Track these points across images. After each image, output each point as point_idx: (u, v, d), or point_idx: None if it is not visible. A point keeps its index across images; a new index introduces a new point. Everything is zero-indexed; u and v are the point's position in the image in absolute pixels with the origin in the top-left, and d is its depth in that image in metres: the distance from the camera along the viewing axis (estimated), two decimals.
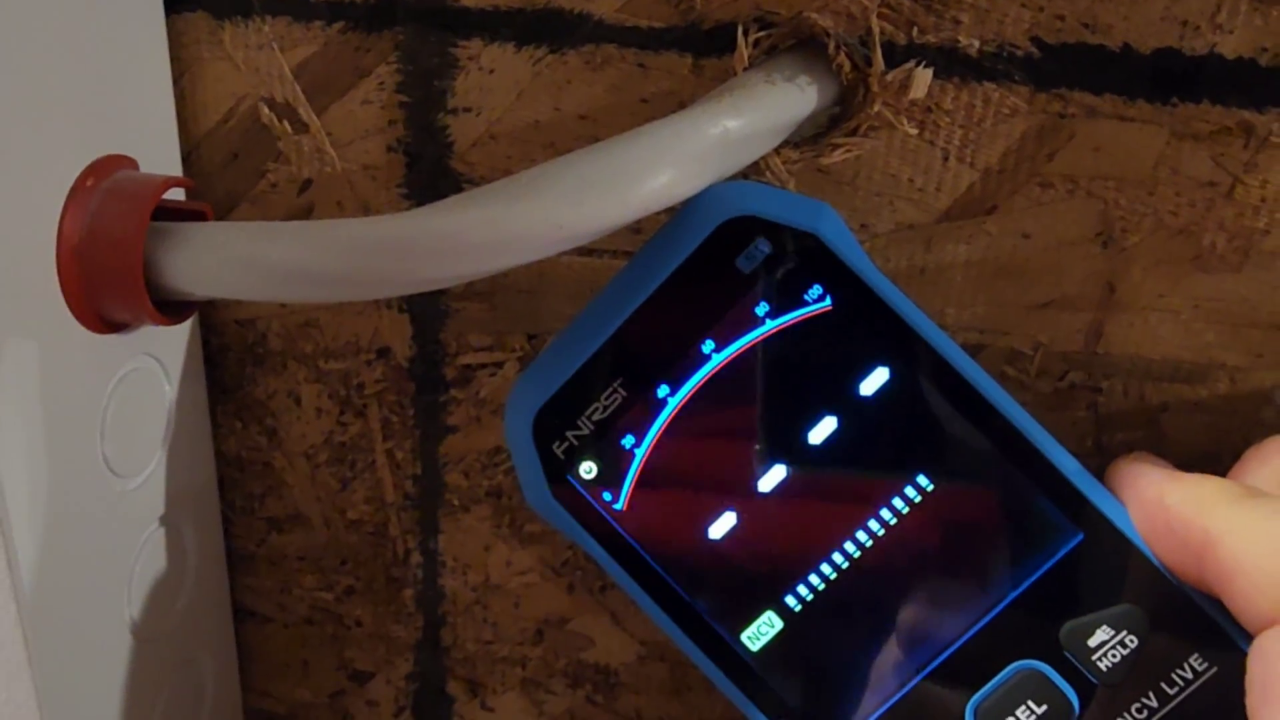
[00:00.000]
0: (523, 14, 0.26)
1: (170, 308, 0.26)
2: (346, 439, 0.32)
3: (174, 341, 0.30)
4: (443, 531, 0.33)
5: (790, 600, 0.24)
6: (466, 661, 0.34)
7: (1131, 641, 0.22)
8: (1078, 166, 0.25)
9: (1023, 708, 0.23)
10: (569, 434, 0.24)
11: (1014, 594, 0.23)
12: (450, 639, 0.34)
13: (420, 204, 0.29)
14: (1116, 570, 0.23)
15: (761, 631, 0.24)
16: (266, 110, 0.28)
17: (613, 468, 0.24)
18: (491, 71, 0.27)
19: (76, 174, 0.25)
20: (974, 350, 0.27)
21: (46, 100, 0.23)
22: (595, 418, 0.24)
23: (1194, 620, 0.22)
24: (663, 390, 0.24)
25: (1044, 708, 0.23)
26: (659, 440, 0.24)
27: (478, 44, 0.27)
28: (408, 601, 0.34)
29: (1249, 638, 0.21)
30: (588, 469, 0.24)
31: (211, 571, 0.34)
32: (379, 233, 0.24)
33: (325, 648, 0.35)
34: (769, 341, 0.23)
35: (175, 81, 0.28)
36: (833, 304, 0.23)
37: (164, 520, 0.30)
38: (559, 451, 0.24)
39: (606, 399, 0.24)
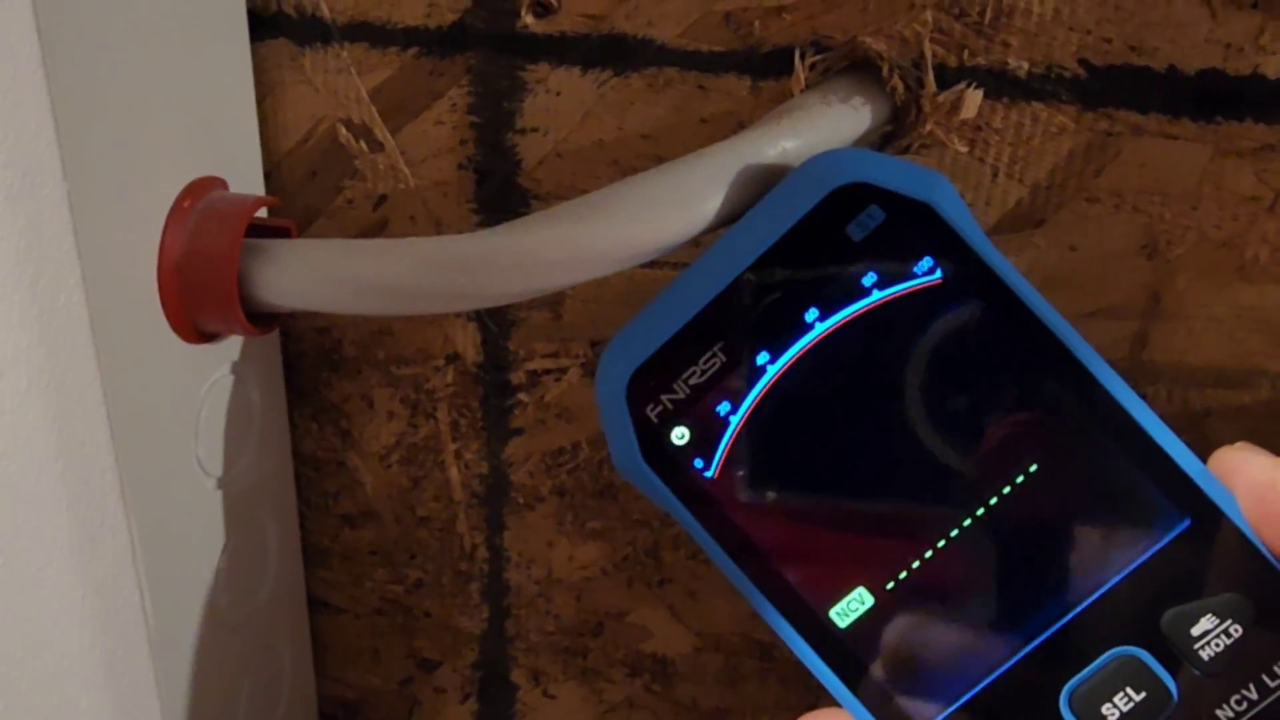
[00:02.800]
0: (588, 39, 0.28)
1: (259, 319, 0.28)
2: (417, 440, 0.34)
3: (257, 349, 0.32)
4: (508, 528, 0.34)
5: (883, 577, 0.23)
6: (530, 651, 0.36)
7: (1235, 631, 0.22)
8: (1124, 182, 0.26)
9: (1120, 694, 0.22)
10: (664, 398, 0.23)
11: (1116, 579, 0.22)
12: (514, 630, 0.36)
13: (489, 219, 0.30)
14: (1223, 558, 0.22)
15: (851, 608, 0.23)
16: (344, 131, 0.30)
17: (706, 434, 0.23)
18: (558, 94, 0.28)
19: (175, 195, 0.26)
20: None
21: (147, 127, 0.25)
22: (692, 382, 0.23)
23: None
24: (762, 357, 0.23)
25: (1141, 695, 0.22)
26: (755, 408, 0.23)
27: (545, 68, 0.28)
28: (474, 594, 0.36)
29: None
30: (680, 434, 0.23)
31: (289, 565, 0.36)
32: (459, 251, 0.25)
33: (395, 637, 0.37)
34: (874, 312, 0.22)
35: (259, 104, 0.30)
36: (943, 277, 0.22)
37: (247, 517, 0.32)
38: (652, 415, 0.23)
39: (705, 363, 0.23)
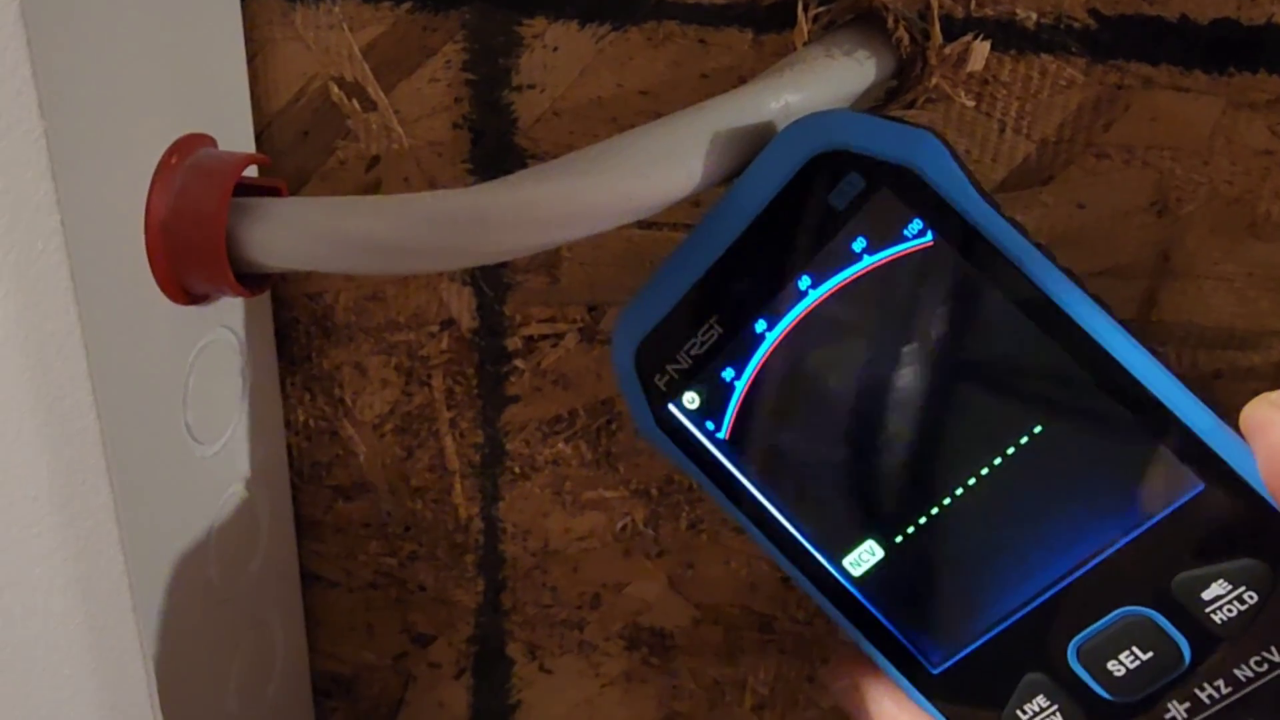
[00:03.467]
0: None
1: (249, 280, 0.27)
2: (411, 409, 0.33)
3: (247, 314, 0.31)
4: (503, 499, 0.34)
5: (892, 530, 0.24)
6: (526, 624, 0.36)
7: (1250, 598, 0.21)
8: (1134, 136, 0.25)
9: (1126, 652, 0.22)
10: (669, 367, 0.24)
11: (1124, 540, 0.22)
12: (510, 603, 0.35)
13: (485, 179, 0.30)
14: (1240, 524, 0.21)
15: (863, 558, 0.24)
16: (336, 89, 0.29)
17: (715, 398, 0.24)
18: (555, 49, 0.28)
19: (161, 152, 0.26)
20: None
21: (133, 82, 0.24)
22: (693, 352, 0.24)
23: None
24: (760, 325, 0.23)
25: (1149, 654, 0.22)
26: (759, 372, 0.24)
27: (542, 22, 0.27)
28: (469, 566, 0.35)
29: None
30: (690, 399, 0.24)
31: (281, 537, 0.35)
32: (453, 206, 0.25)
33: (389, 611, 0.37)
34: (869, 276, 0.23)
35: (249, 62, 0.29)
36: (934, 239, 0.22)
37: (238, 487, 0.32)
38: (660, 384, 0.24)
39: (703, 334, 0.24)
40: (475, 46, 0.28)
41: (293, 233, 0.26)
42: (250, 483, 0.32)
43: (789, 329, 0.23)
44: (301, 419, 0.34)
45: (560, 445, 0.32)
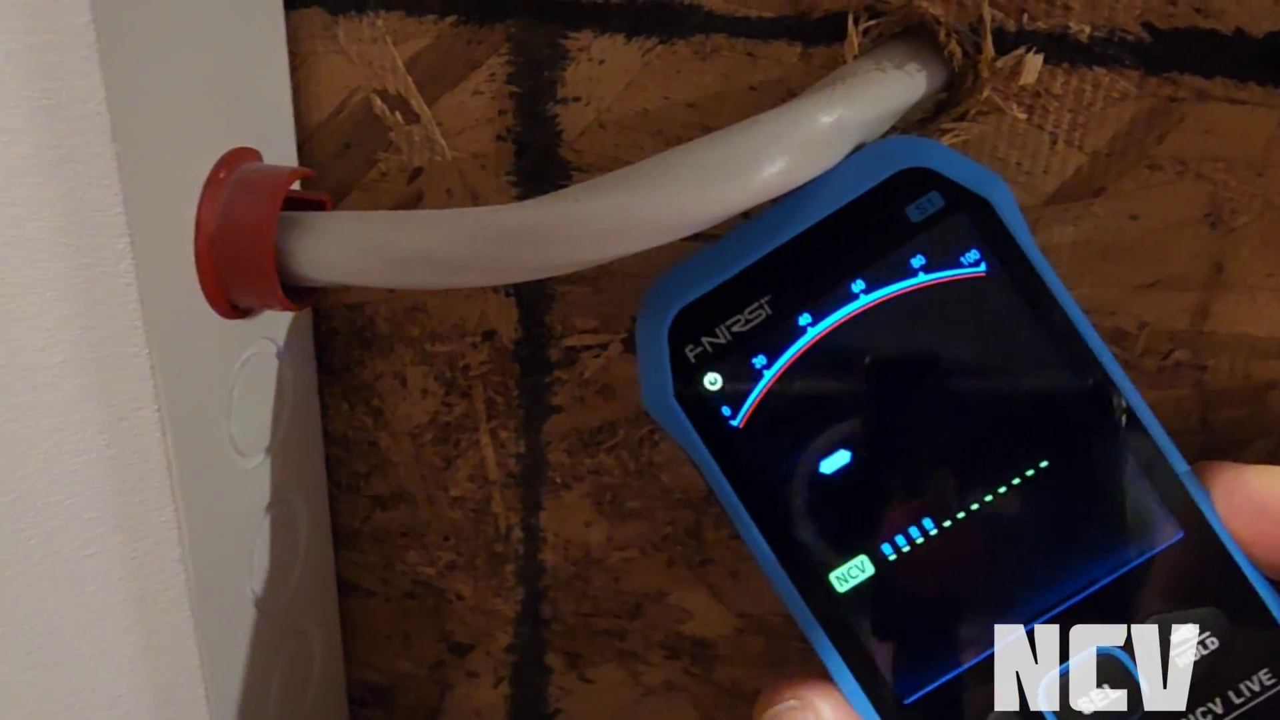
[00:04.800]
0: (633, 5, 0.27)
1: (296, 293, 0.27)
2: (451, 419, 0.33)
3: (289, 326, 0.31)
4: (544, 508, 0.34)
5: (885, 549, 0.24)
6: (566, 634, 0.36)
7: (1212, 644, 0.23)
8: (1187, 149, 0.25)
9: (1098, 690, 0.23)
10: (705, 340, 0.24)
11: (1106, 580, 0.23)
12: (550, 612, 0.35)
13: (528, 192, 0.30)
14: (1209, 573, 0.23)
15: (851, 574, 0.24)
16: (379, 102, 0.29)
17: (738, 384, 0.24)
18: (601, 62, 0.28)
19: (210, 167, 0.26)
20: None
21: (182, 98, 0.24)
22: (734, 329, 0.24)
23: (1271, 636, 0.23)
24: (805, 319, 0.24)
25: (1119, 693, 0.23)
26: (790, 366, 0.24)
27: (588, 35, 0.27)
28: (509, 576, 0.35)
29: None
30: (712, 380, 0.24)
31: (320, 547, 0.35)
32: (505, 221, 0.24)
33: (426, 621, 0.37)
34: (916, 294, 0.24)
35: (291, 75, 0.29)
36: (987, 270, 0.23)
37: (279, 498, 0.32)
38: (690, 355, 0.24)
39: (750, 313, 0.24)
40: (520, 59, 0.28)
41: (343, 247, 0.26)
42: (290, 493, 0.32)
43: (830, 328, 0.24)
44: (340, 429, 0.34)
45: (602, 455, 0.32)
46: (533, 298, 0.31)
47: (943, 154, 0.24)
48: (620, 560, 0.34)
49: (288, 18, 0.29)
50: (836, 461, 0.24)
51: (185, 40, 0.24)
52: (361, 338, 0.33)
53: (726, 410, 0.24)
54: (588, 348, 0.31)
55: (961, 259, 0.24)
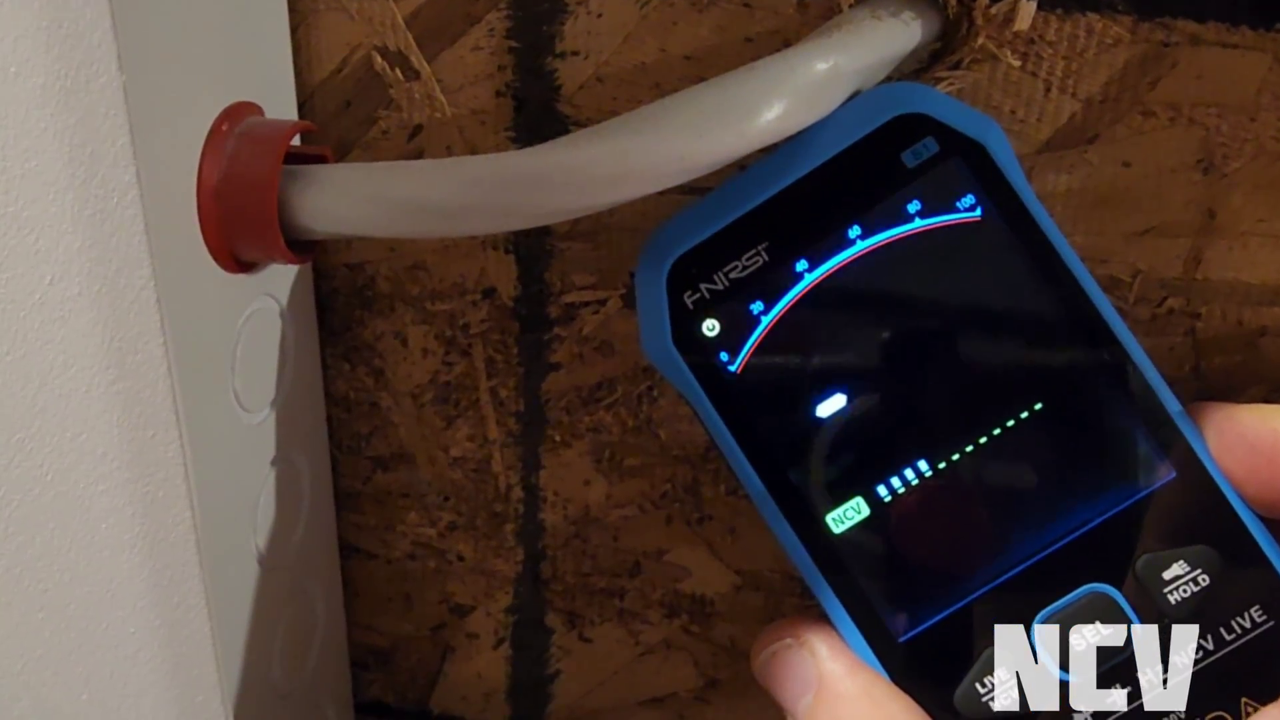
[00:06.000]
0: None
1: (298, 246, 0.27)
2: (451, 378, 0.33)
3: (290, 283, 0.31)
4: (544, 467, 0.34)
5: (880, 490, 0.24)
6: (565, 594, 0.36)
7: (1203, 580, 0.23)
8: (1180, 94, 0.26)
9: (1089, 627, 0.24)
10: (703, 286, 0.24)
11: (1100, 519, 0.24)
12: (550, 572, 0.36)
13: (527, 146, 0.30)
14: (1200, 512, 0.23)
15: (847, 515, 0.24)
16: (379, 59, 0.29)
17: (736, 329, 0.25)
18: (599, 15, 0.28)
19: (212, 120, 0.26)
20: None
21: (183, 50, 0.25)
22: (732, 275, 0.24)
23: (1263, 574, 0.23)
24: (801, 264, 0.24)
25: (1109, 630, 0.24)
26: (786, 311, 0.24)
27: None
28: (508, 536, 0.35)
29: None
30: (710, 325, 0.24)
31: (321, 507, 0.35)
32: (505, 167, 0.25)
33: (427, 582, 0.37)
34: (911, 239, 0.24)
35: (292, 32, 0.29)
36: (982, 215, 0.24)
37: (282, 456, 0.32)
38: (689, 302, 0.24)
39: (748, 260, 0.24)
40: (519, 14, 0.28)
41: (345, 198, 0.26)
42: (293, 452, 0.33)
43: (826, 274, 0.24)
44: (341, 390, 0.34)
45: (601, 413, 0.33)
46: (531, 254, 0.31)
47: (937, 99, 0.24)
48: (619, 518, 0.34)
49: None
50: (833, 405, 0.25)
51: None
52: (362, 297, 0.33)
53: (725, 356, 0.25)
54: (586, 304, 0.31)
55: (957, 204, 0.24)
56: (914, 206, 0.24)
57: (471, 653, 0.38)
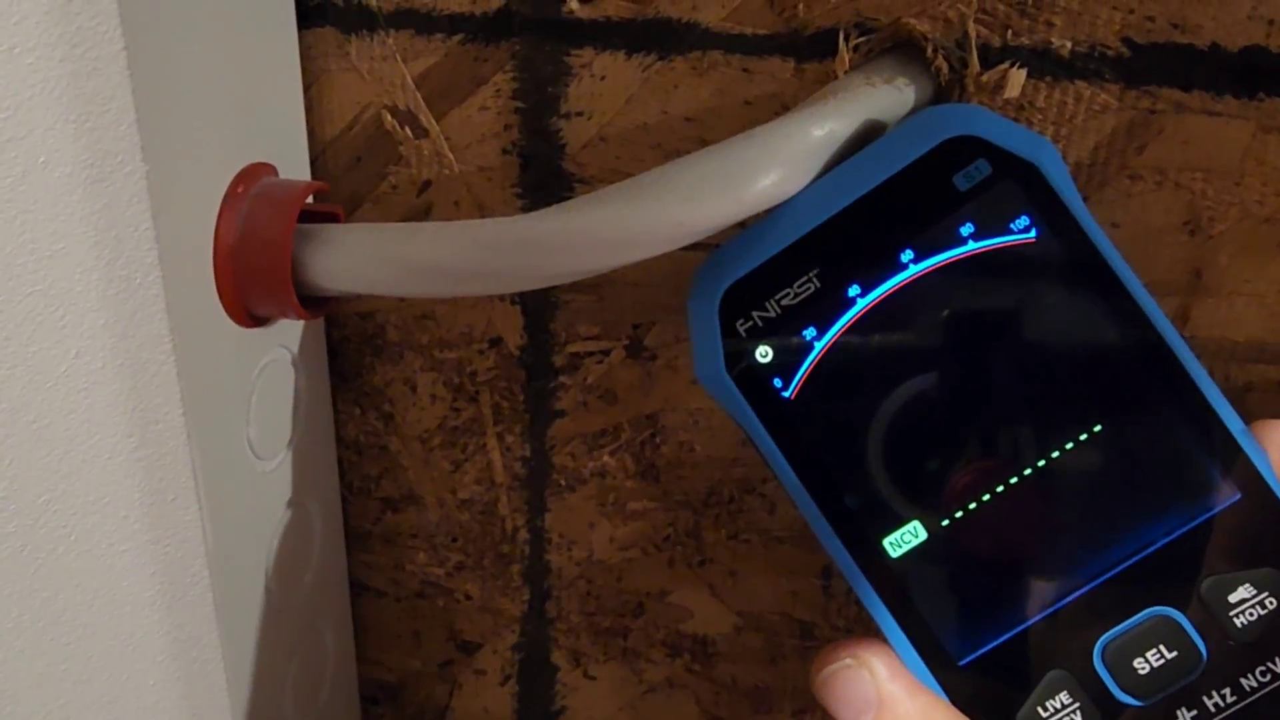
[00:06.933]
0: (633, 24, 0.28)
1: (310, 303, 0.28)
2: (459, 423, 0.34)
3: (303, 334, 0.32)
4: (550, 510, 0.35)
5: (938, 514, 0.24)
6: (570, 633, 0.37)
7: (1271, 604, 0.23)
8: (1166, 159, 0.26)
9: (1153, 651, 0.23)
10: (755, 314, 0.24)
11: (1163, 541, 0.23)
12: (555, 611, 0.36)
13: (533, 204, 0.31)
14: (1266, 533, 0.23)
15: (905, 539, 0.24)
16: (389, 117, 0.30)
17: (789, 356, 0.24)
18: (603, 78, 0.29)
19: (228, 183, 0.27)
20: None
21: (201, 115, 0.26)
22: (784, 303, 0.24)
23: None
24: (854, 290, 0.24)
25: (1174, 654, 0.23)
26: (840, 337, 0.24)
27: (590, 52, 0.29)
28: (515, 576, 0.36)
29: None
30: (764, 352, 0.24)
31: (332, 548, 0.36)
32: (511, 232, 0.26)
33: (436, 620, 0.38)
34: (965, 261, 0.24)
35: (305, 92, 0.30)
36: (1037, 236, 0.23)
37: (295, 500, 0.33)
38: (741, 329, 0.24)
39: (799, 286, 0.24)
40: (525, 75, 0.29)
41: (356, 258, 0.27)
42: (305, 496, 0.33)
43: (880, 299, 0.24)
44: (352, 434, 0.35)
45: (605, 458, 0.33)
46: (537, 306, 0.32)
47: (989, 120, 0.23)
48: (623, 560, 0.35)
49: (301, 36, 0.30)
50: (888, 430, 0.24)
51: (206, 60, 0.25)
52: (373, 345, 0.34)
53: (778, 382, 0.24)
54: (590, 354, 0.32)
55: (1011, 225, 0.23)
56: (967, 229, 0.23)
57: (479, 689, 0.39)
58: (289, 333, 0.31)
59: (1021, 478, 0.24)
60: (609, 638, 0.36)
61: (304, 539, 0.34)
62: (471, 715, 0.39)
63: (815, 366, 0.24)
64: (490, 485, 0.35)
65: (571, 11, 0.28)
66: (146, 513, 0.21)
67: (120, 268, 0.20)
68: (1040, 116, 0.27)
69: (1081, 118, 0.26)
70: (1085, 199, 0.27)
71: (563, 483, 0.34)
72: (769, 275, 0.24)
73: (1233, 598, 0.23)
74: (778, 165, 0.25)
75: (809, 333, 0.24)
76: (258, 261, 0.27)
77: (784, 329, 0.24)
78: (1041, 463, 0.24)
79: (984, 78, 0.26)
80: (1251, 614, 0.23)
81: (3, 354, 0.20)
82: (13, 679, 0.23)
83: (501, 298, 0.32)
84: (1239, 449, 0.23)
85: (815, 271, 0.24)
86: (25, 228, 0.19)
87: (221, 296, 0.27)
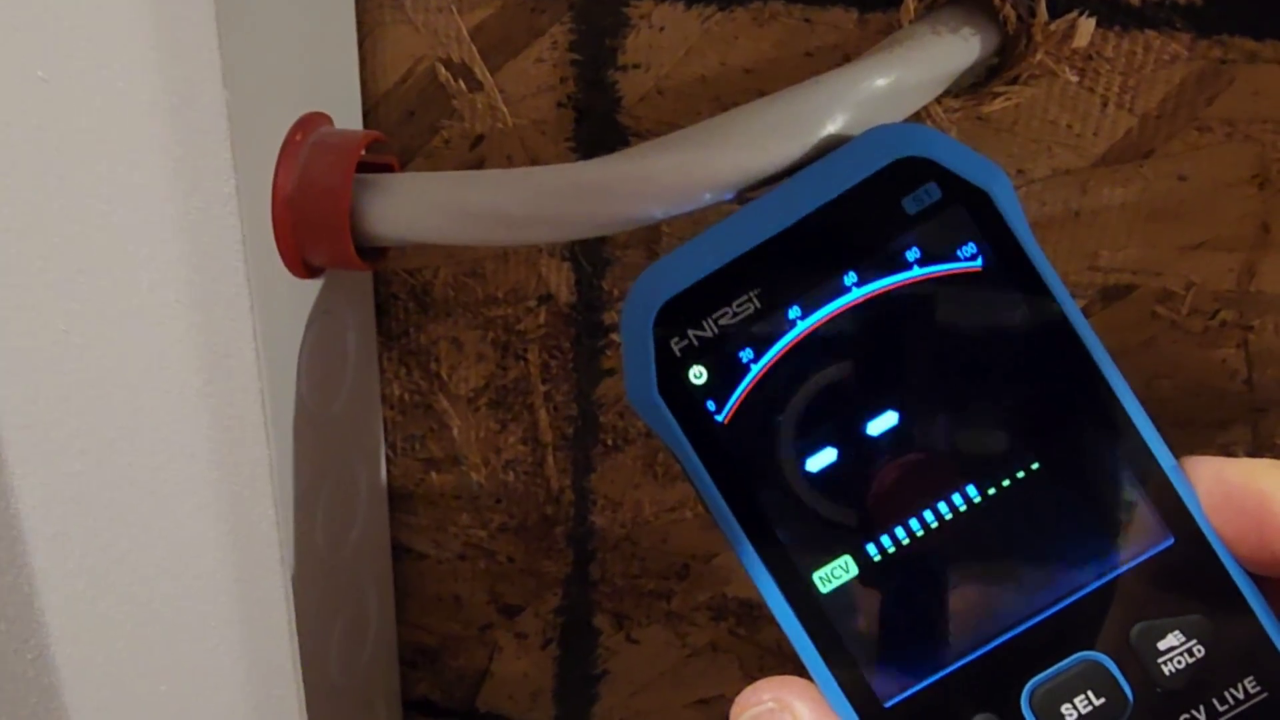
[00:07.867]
0: None
1: (366, 253, 0.28)
2: (506, 382, 0.34)
3: (352, 289, 0.32)
4: (595, 470, 0.35)
5: (870, 549, 0.23)
6: (614, 595, 0.36)
7: (1199, 651, 0.22)
8: (1236, 110, 0.26)
9: (1080, 697, 0.23)
10: (691, 333, 0.23)
11: (1093, 585, 0.23)
12: (599, 574, 0.36)
13: (587, 157, 0.31)
14: (1197, 579, 0.22)
15: (835, 574, 0.23)
16: (443, 70, 0.30)
17: (724, 378, 0.23)
18: (662, 29, 0.28)
19: (286, 130, 0.27)
20: (1125, 291, 0.28)
21: (260, 64, 0.25)
22: (722, 322, 0.23)
23: (1258, 645, 0.22)
24: (794, 311, 0.23)
25: (1101, 700, 0.22)
26: (777, 360, 0.23)
27: (649, 3, 0.28)
28: (559, 538, 0.36)
29: None
30: (698, 373, 0.23)
31: (376, 508, 0.36)
32: (572, 177, 0.25)
33: (477, 583, 0.38)
34: (909, 287, 0.23)
35: (359, 44, 0.30)
36: (983, 265, 0.23)
37: (340, 458, 0.33)
38: (676, 349, 0.23)
39: (738, 306, 0.23)
40: (582, 27, 0.29)
41: (415, 206, 0.27)
42: (350, 454, 0.33)
43: (820, 322, 0.23)
44: (397, 393, 0.35)
45: None
46: (590, 261, 0.32)
47: (943, 143, 0.23)
48: (668, 522, 0.35)
49: None
50: (822, 460, 0.23)
51: (256, 14, 0.25)
52: (420, 302, 0.34)
53: (711, 405, 0.23)
54: None
55: (957, 252, 0.23)
56: (912, 254, 0.23)
57: (519, 652, 0.39)
58: (338, 288, 0.31)
59: (956, 515, 0.23)
60: (652, 600, 0.36)
61: (350, 497, 0.34)
62: (511, 679, 0.39)
63: (750, 391, 0.23)
64: (536, 445, 0.35)
65: None
66: (214, 450, 0.21)
67: (198, 199, 0.19)
68: (1109, 67, 0.26)
69: (1150, 68, 0.26)
70: (1151, 152, 0.27)
71: (610, 442, 0.34)
72: (708, 292, 0.23)
73: (1162, 644, 0.22)
74: (842, 111, 0.25)
75: (745, 354, 0.23)
76: (315, 209, 0.27)
77: (720, 350, 0.23)
78: (977, 500, 0.23)
79: (1052, 27, 0.26)
80: (1180, 661, 0.22)
81: (76, 287, 0.20)
82: (75, 620, 0.23)
83: (552, 254, 0.32)
84: (1172, 489, 0.22)
85: (755, 291, 0.23)
86: (103, 156, 0.18)
87: (279, 245, 0.27)
